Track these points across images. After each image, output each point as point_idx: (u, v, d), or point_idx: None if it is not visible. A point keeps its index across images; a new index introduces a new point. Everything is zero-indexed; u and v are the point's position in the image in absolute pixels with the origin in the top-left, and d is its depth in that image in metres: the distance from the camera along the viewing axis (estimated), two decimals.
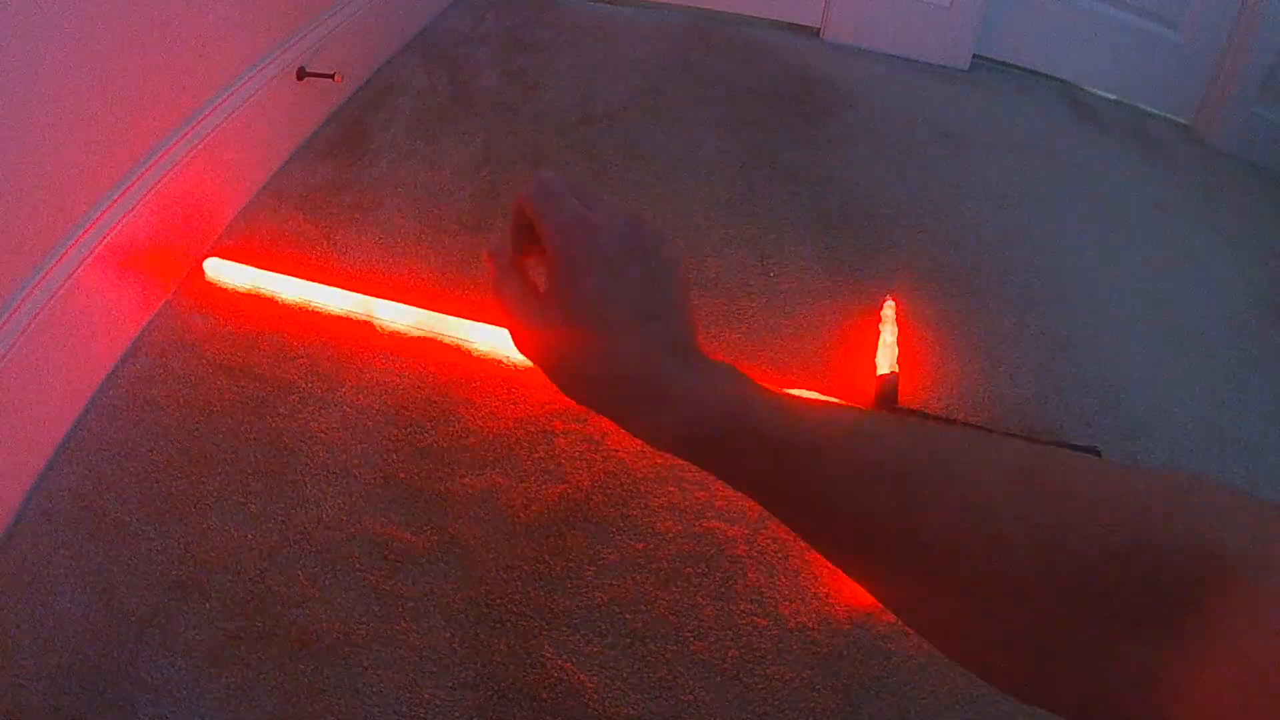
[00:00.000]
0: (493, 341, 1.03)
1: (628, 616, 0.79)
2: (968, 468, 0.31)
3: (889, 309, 1.12)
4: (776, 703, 0.74)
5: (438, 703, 0.72)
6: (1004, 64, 1.91)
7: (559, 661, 0.75)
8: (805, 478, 0.33)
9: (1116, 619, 0.25)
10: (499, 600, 0.79)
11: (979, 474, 0.30)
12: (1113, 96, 1.87)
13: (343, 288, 1.07)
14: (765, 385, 0.36)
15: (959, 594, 0.29)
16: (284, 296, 1.08)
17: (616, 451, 0.93)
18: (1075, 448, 0.94)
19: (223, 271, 1.09)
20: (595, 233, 0.38)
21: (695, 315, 0.40)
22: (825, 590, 0.82)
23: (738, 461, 0.35)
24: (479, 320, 1.04)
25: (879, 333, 1.10)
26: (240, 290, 1.09)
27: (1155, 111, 1.84)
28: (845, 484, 0.32)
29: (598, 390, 0.38)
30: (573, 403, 0.41)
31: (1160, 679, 0.24)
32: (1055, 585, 0.27)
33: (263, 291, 1.08)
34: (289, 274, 1.09)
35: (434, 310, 1.05)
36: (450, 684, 0.73)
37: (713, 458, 0.35)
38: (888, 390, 1.00)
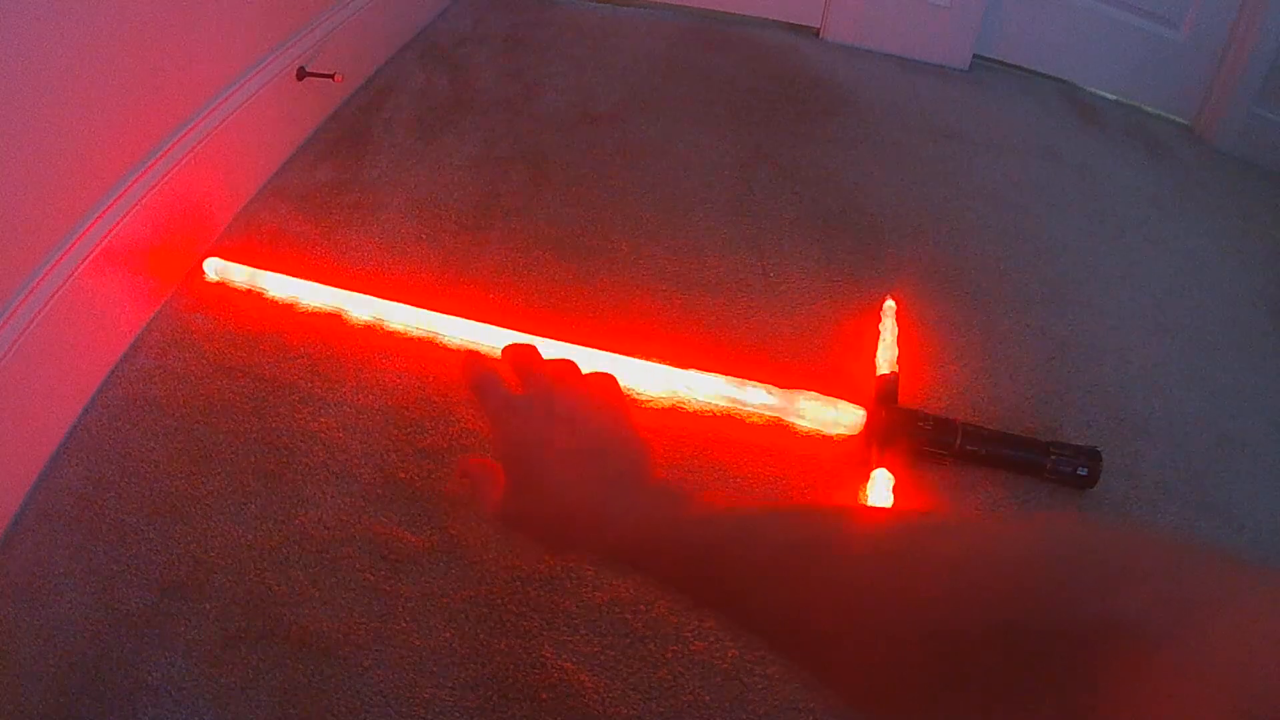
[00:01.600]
0: (491, 341, 1.03)
1: (628, 616, 0.79)
2: (841, 555, 0.33)
3: (889, 309, 1.12)
4: (776, 703, 0.74)
5: (438, 703, 0.72)
6: (1004, 64, 1.91)
7: (559, 661, 0.75)
8: (704, 576, 0.38)
9: (1011, 697, 0.25)
10: (499, 600, 0.79)
11: (851, 562, 0.32)
12: (1113, 96, 1.86)
13: (342, 288, 1.07)
14: (695, 500, 0.43)
15: (850, 671, 0.31)
16: (284, 296, 1.08)
17: None
18: (1075, 448, 0.94)
19: (223, 271, 1.09)
20: (527, 419, 0.46)
21: (643, 442, 0.47)
22: None
23: (657, 570, 0.41)
24: (479, 320, 1.04)
25: (879, 332, 1.10)
26: (240, 290, 1.09)
27: (1155, 111, 1.84)
28: (733, 579, 0.36)
29: (549, 539, 0.46)
30: None
31: None
32: (932, 669, 0.27)
33: (263, 291, 1.08)
34: (289, 274, 1.09)
35: (434, 310, 1.05)
36: (450, 684, 0.73)
37: (638, 572, 0.42)
38: (888, 390, 1.00)
